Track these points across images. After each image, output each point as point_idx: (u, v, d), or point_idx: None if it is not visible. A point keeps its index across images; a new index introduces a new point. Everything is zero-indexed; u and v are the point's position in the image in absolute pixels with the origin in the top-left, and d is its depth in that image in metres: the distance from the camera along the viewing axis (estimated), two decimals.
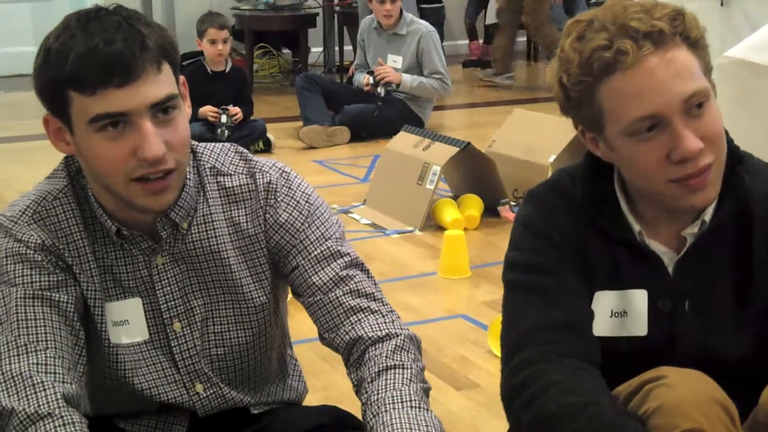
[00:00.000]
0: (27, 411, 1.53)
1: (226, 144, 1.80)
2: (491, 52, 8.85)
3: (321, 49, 8.96)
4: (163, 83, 1.56)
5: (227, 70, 6.06)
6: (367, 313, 1.72)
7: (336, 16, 8.88)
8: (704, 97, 1.55)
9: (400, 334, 1.71)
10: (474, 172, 4.83)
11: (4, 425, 1.54)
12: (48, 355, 1.59)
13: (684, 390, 1.51)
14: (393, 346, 1.68)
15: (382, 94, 6.41)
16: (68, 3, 9.02)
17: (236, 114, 5.92)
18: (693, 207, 1.62)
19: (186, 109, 1.65)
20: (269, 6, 8.29)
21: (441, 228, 4.50)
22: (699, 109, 1.55)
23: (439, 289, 3.94)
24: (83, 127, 1.56)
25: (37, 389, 1.55)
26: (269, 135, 6.23)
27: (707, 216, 1.65)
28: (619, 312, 1.68)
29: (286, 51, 9.08)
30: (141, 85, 1.54)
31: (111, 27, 1.53)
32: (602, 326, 1.67)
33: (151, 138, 1.55)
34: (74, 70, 1.52)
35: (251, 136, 5.99)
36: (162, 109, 1.57)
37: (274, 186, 1.75)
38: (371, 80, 6.43)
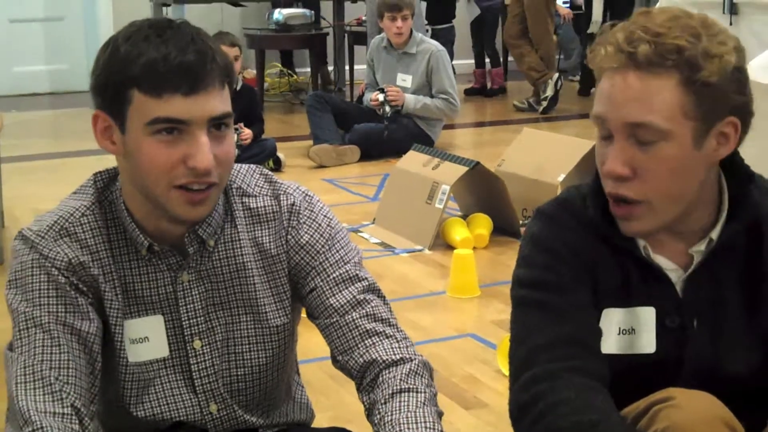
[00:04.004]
0: None
1: (251, 165, 1.83)
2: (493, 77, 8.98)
3: (330, 68, 9.00)
4: (223, 100, 1.61)
5: (238, 88, 6.08)
6: (382, 338, 1.73)
7: (346, 35, 8.91)
8: (652, 135, 1.55)
9: (414, 359, 1.71)
10: (483, 192, 4.83)
11: None
12: (66, 389, 1.59)
13: (692, 411, 1.51)
14: (407, 370, 1.69)
15: (389, 114, 6.43)
16: (80, 24, 9.09)
17: (246, 137, 5.93)
18: (624, 232, 1.65)
19: (232, 130, 1.68)
20: (279, 25, 8.33)
21: (450, 247, 4.50)
22: (642, 143, 1.56)
23: (448, 308, 3.93)
24: (139, 128, 1.58)
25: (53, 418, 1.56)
26: (279, 154, 6.25)
27: (714, 234, 1.65)
28: (627, 329, 1.68)
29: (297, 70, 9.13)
30: (205, 98, 1.58)
31: (185, 38, 1.57)
32: (610, 344, 1.68)
33: (205, 149, 1.58)
34: (144, 71, 1.55)
35: (261, 155, 6.00)
36: (216, 124, 1.60)
37: (297, 208, 1.77)
38: (380, 97, 6.45)
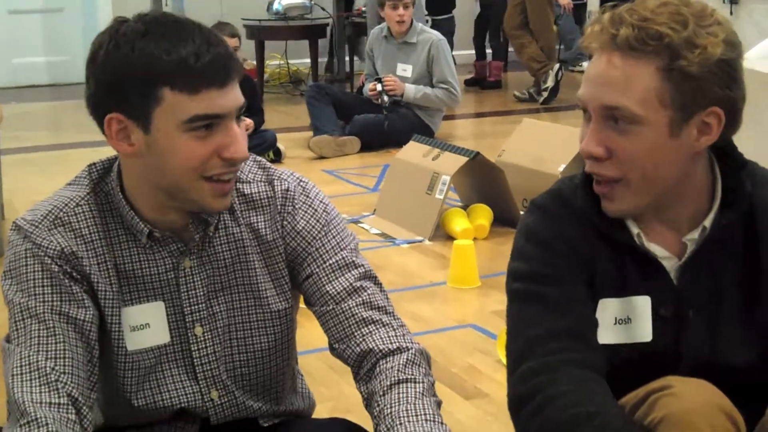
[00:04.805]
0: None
1: None
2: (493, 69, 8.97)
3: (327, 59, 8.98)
4: (240, 90, 1.63)
5: None
6: (378, 326, 1.73)
7: (346, 26, 8.90)
8: (627, 119, 1.56)
9: (411, 348, 1.71)
10: (483, 182, 4.83)
11: None
12: (63, 378, 1.59)
13: (690, 399, 1.51)
14: (404, 360, 1.69)
15: (387, 103, 6.43)
16: (80, 15, 9.08)
17: (247, 127, 5.90)
18: (606, 211, 1.66)
19: None
20: (279, 16, 8.31)
21: (450, 237, 4.50)
22: (617, 125, 1.57)
23: (449, 298, 3.94)
24: (171, 126, 1.57)
25: (49, 409, 1.56)
26: (279, 145, 6.24)
27: (708, 222, 1.65)
28: (623, 319, 1.68)
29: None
30: (234, 88, 1.60)
31: (203, 32, 1.57)
32: (607, 333, 1.68)
33: (241, 139, 1.61)
34: (177, 69, 1.54)
35: (262, 147, 5.99)
36: (237, 116, 1.62)
37: (292, 194, 1.78)
38: (378, 87, 6.45)
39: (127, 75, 1.55)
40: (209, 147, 1.59)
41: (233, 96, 1.59)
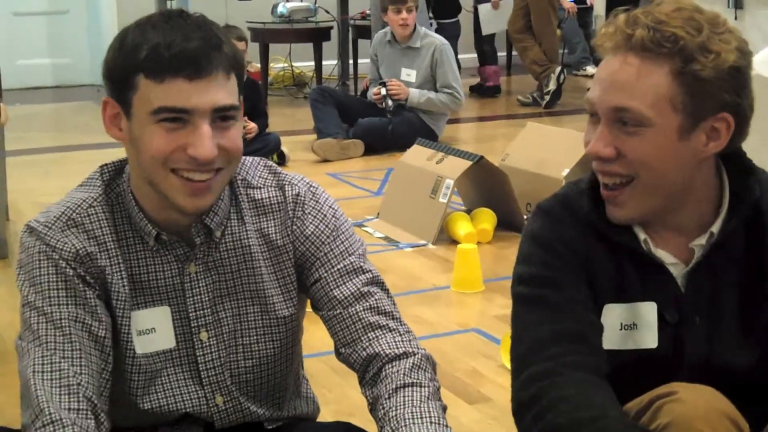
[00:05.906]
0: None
1: (255, 158, 1.83)
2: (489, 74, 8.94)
3: (334, 62, 8.99)
4: (229, 91, 1.61)
5: None
6: (385, 331, 1.73)
7: (350, 29, 8.91)
8: (636, 121, 1.56)
9: (417, 353, 1.71)
10: (487, 186, 4.83)
11: None
12: (83, 382, 1.59)
13: (695, 405, 1.51)
14: (410, 365, 1.69)
15: (391, 107, 6.43)
16: (84, 17, 9.09)
17: (250, 131, 5.91)
18: (611, 218, 1.66)
19: (240, 124, 1.68)
20: (284, 19, 8.32)
21: (454, 241, 4.50)
22: (626, 127, 1.58)
23: (452, 302, 3.93)
24: (143, 115, 1.59)
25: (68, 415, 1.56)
26: (283, 148, 6.24)
27: (715, 228, 1.65)
28: (629, 325, 1.68)
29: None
30: (209, 85, 1.58)
31: (191, 26, 1.59)
32: (612, 339, 1.68)
33: (207, 140, 1.58)
34: (148, 56, 1.56)
35: (265, 150, 5.98)
36: (221, 116, 1.60)
37: (302, 198, 1.78)
38: (382, 91, 6.45)
39: (116, 62, 1.61)
40: (176, 141, 1.59)
41: (205, 93, 1.58)
